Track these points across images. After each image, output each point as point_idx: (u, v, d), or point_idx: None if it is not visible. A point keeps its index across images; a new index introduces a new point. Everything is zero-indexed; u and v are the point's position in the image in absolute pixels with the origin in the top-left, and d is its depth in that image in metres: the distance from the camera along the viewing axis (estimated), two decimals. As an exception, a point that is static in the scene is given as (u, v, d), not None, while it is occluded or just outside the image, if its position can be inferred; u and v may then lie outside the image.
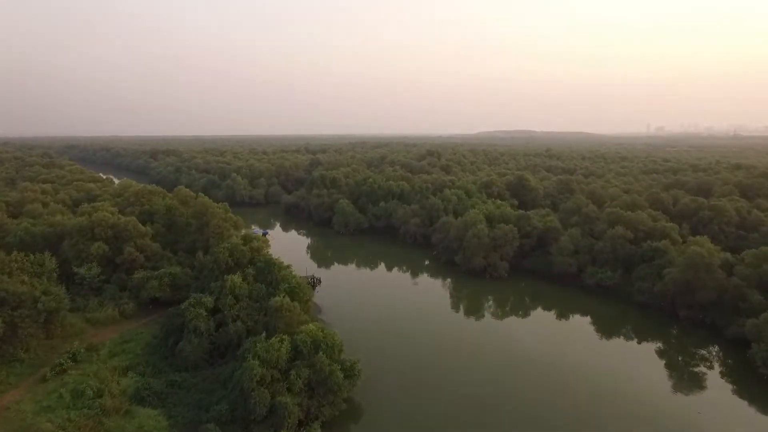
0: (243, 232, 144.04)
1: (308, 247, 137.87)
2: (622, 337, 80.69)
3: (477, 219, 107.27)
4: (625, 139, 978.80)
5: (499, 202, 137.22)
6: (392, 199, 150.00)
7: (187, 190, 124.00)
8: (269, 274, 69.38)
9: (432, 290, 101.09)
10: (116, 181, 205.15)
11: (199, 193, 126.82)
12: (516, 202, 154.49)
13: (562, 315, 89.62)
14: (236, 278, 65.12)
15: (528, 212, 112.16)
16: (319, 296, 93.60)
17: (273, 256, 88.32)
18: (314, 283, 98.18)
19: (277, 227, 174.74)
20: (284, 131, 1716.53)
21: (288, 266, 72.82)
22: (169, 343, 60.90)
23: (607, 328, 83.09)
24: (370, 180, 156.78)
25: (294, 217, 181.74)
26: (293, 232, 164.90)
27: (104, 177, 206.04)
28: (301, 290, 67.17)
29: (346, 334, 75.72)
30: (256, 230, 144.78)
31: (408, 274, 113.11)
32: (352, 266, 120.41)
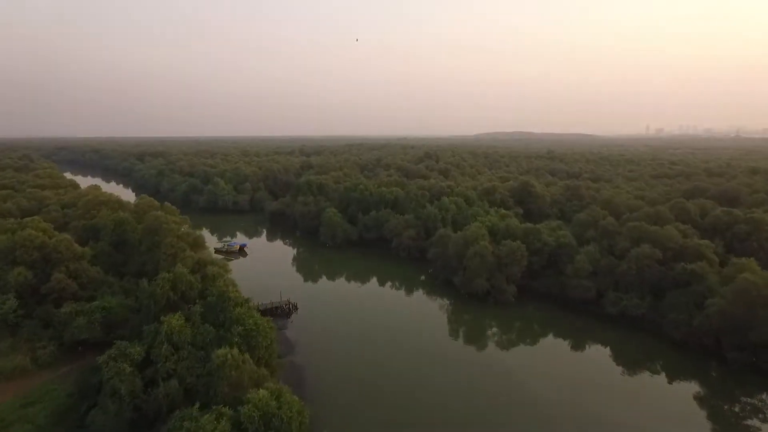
0: (220, 243, 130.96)
1: (289, 263, 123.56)
2: (649, 377, 67.51)
3: (479, 234, 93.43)
4: (624, 140, 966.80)
5: (502, 211, 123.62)
6: (385, 207, 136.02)
7: (151, 199, 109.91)
8: (221, 312, 55.42)
9: (427, 317, 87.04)
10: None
11: (166, 203, 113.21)
12: (521, 211, 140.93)
13: (578, 348, 76.50)
14: (176, 320, 51.10)
15: (537, 226, 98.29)
16: (294, 327, 79.68)
17: (236, 282, 74.71)
18: (290, 309, 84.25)
19: (262, 237, 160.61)
20: (285, 132, 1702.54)
21: (247, 300, 58.77)
22: (83, 408, 46.86)
23: (631, 366, 69.94)
24: (361, 186, 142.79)
25: (280, 226, 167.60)
26: (277, 243, 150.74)
27: (71, 181, 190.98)
28: (261, 334, 53.17)
29: (322, 378, 62.41)
30: (233, 242, 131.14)
31: (401, 296, 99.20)
32: (337, 286, 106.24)
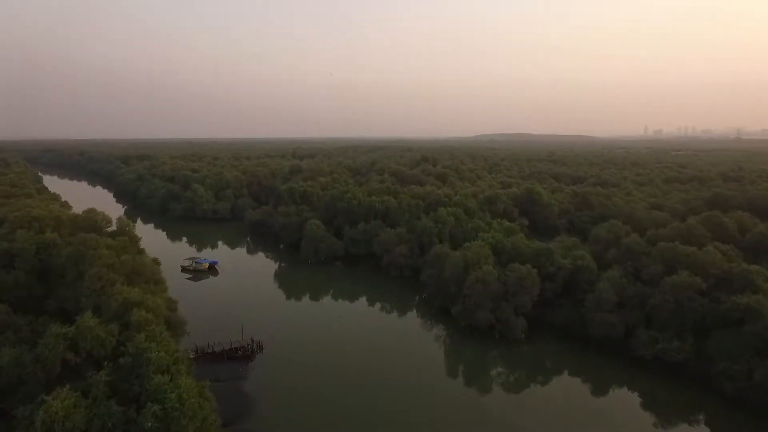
0: (187, 260, 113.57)
1: (264, 283, 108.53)
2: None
3: (481, 255, 79.09)
4: (623, 142, 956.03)
5: (507, 223, 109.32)
6: (375, 218, 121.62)
7: (103, 213, 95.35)
8: (137, 380, 40.85)
9: (422, 354, 72.40)
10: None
11: (121, 217, 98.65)
12: (526, 222, 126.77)
13: (599, 393, 63.08)
14: (62, 400, 36.48)
15: (549, 245, 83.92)
16: (256, 374, 64.84)
17: (184, 320, 60.36)
18: (252, 350, 69.55)
19: (240, 251, 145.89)
20: (283, 134, 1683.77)
21: (175, 361, 44.07)
22: None
23: (665, 419, 55.92)
24: (348, 194, 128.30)
25: (261, 238, 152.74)
26: (255, 259, 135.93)
27: (41, 188, 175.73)
28: (186, 414, 38.57)
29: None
30: (202, 260, 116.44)
31: (391, 327, 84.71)
32: (315, 313, 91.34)
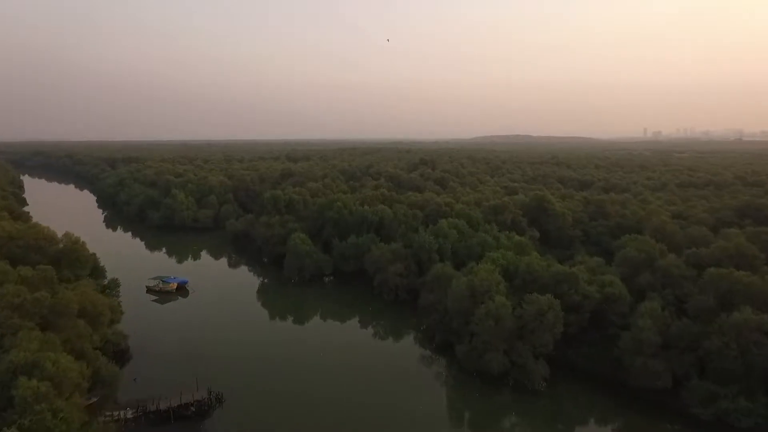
0: (153, 280, 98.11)
1: (239, 308, 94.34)
2: None
3: (492, 281, 65.71)
4: (624, 143, 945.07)
5: (516, 237, 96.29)
6: (367, 231, 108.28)
7: (47, 228, 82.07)
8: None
9: (419, 405, 58.94)
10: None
11: (67, 231, 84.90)
12: (537, 234, 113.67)
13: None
14: None
15: (573, 270, 70.38)
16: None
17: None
18: (209, 405, 55.97)
19: (219, 265, 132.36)
20: (282, 135, 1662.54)
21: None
22: None
23: None
24: (338, 203, 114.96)
25: (244, 250, 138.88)
26: (235, 275, 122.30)
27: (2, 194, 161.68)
28: None
29: None
30: (170, 278, 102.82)
31: (382, 366, 70.70)
32: (291, 348, 76.71)
